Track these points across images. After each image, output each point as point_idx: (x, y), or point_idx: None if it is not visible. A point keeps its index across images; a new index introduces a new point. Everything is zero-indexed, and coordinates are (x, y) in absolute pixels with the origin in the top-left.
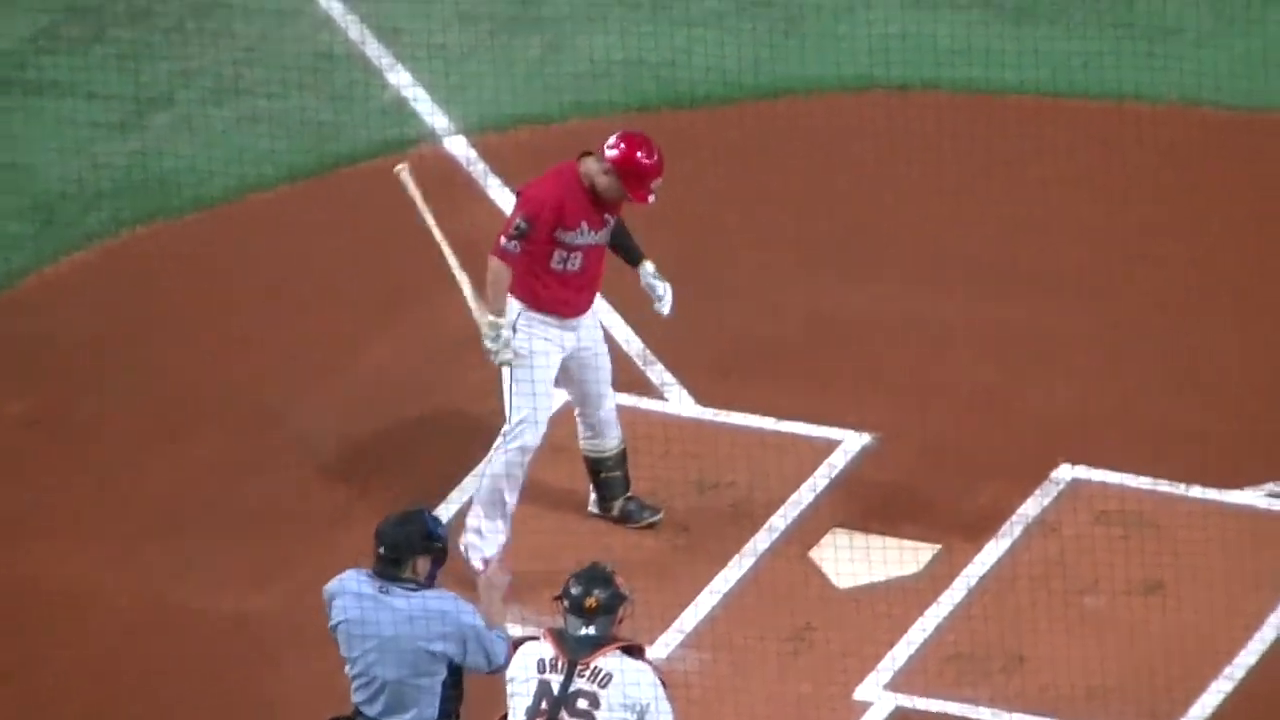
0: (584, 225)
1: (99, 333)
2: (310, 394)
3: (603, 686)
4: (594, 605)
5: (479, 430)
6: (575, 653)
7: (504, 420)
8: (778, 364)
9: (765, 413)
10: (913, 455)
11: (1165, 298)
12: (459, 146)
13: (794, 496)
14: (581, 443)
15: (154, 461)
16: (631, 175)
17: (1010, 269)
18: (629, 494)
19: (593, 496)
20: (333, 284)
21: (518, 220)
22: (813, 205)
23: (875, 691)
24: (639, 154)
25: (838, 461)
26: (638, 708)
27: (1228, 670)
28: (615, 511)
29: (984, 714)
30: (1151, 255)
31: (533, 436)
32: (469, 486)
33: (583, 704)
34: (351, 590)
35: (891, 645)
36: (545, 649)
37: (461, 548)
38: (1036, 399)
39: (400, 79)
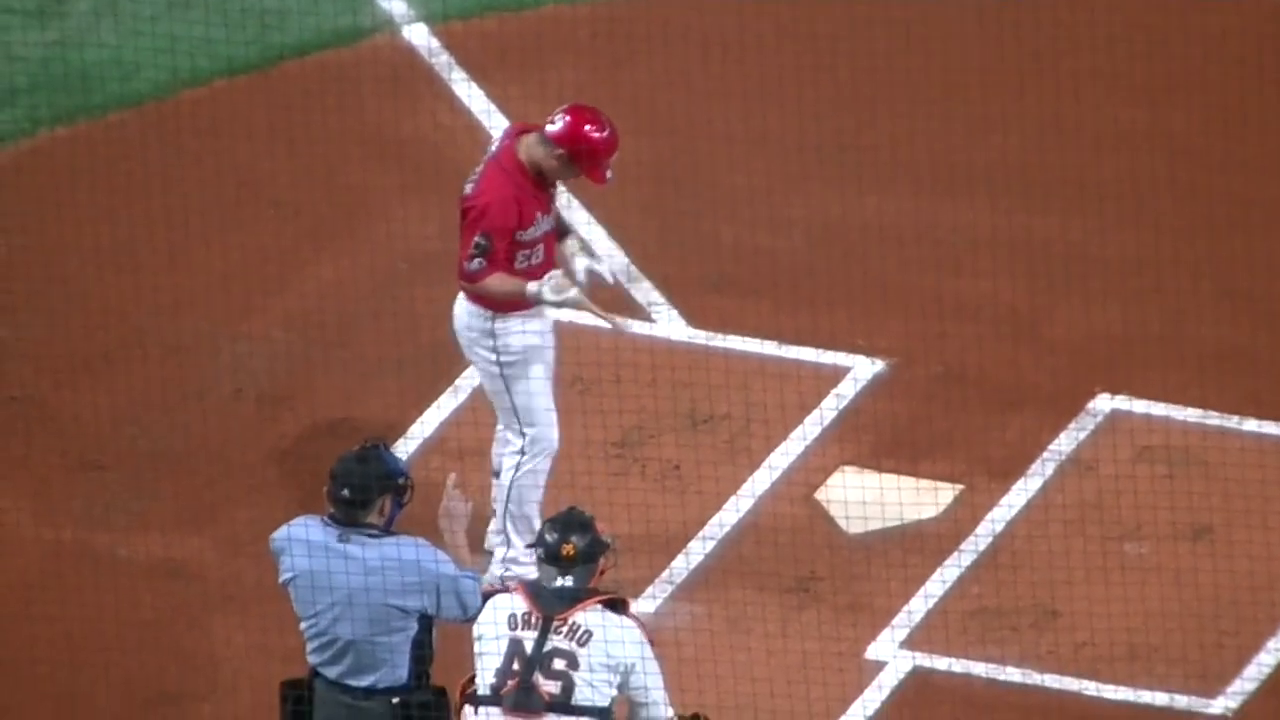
0: (539, 216)
1: (10, 247)
2: (248, 318)
3: (581, 644)
4: (571, 553)
5: (437, 358)
6: (550, 607)
7: (514, 436)
8: (778, 282)
9: (765, 336)
10: (930, 384)
11: (1215, 208)
12: (419, 35)
13: (797, 431)
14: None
15: (72, 392)
16: (584, 155)
17: (1039, 176)
18: None
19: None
20: (275, 194)
21: (477, 239)
22: (817, 103)
23: (889, 650)
24: (589, 129)
25: (846, 391)
26: (621, 668)
27: None
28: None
29: (1012, 675)
30: (1199, 160)
31: (551, 446)
32: (429, 420)
33: (559, 664)
34: (306, 539)
35: (907, 598)
36: (517, 603)
37: (496, 579)
38: (1070, 321)
39: None
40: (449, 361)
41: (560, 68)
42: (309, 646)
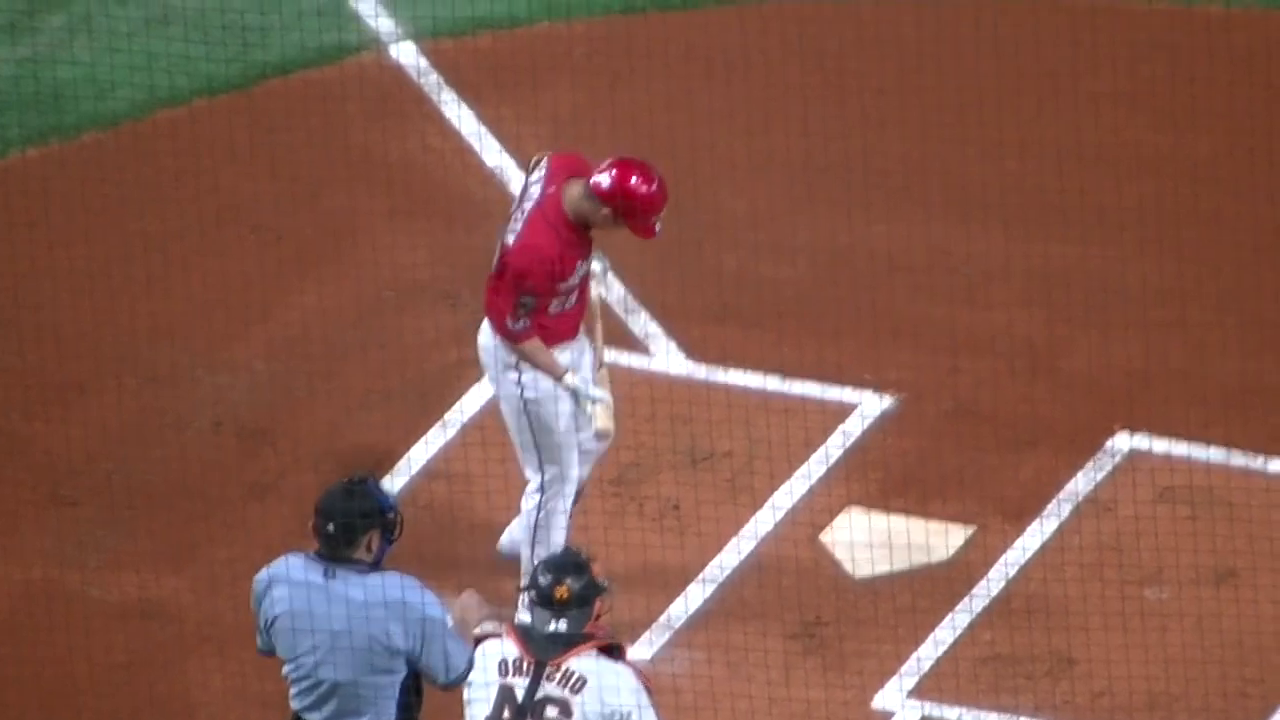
0: (579, 264)
1: None
2: (229, 347)
3: (575, 692)
4: (565, 596)
5: (426, 389)
6: (543, 652)
7: (533, 474)
8: (782, 312)
9: (768, 370)
10: (942, 420)
11: (1241, 236)
12: (408, 55)
13: (802, 469)
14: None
15: (44, 423)
16: (631, 211)
17: (1057, 202)
18: None
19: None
20: (257, 218)
21: (523, 299)
22: (824, 124)
23: (897, 699)
24: (636, 181)
25: (853, 428)
26: (617, 716)
27: None
28: None
29: None
30: (1224, 186)
31: (568, 488)
32: (417, 454)
33: (552, 712)
34: (288, 578)
35: (916, 645)
36: (508, 648)
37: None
38: (1088, 354)
39: None
40: (438, 393)
41: (555, 87)
42: (292, 691)
